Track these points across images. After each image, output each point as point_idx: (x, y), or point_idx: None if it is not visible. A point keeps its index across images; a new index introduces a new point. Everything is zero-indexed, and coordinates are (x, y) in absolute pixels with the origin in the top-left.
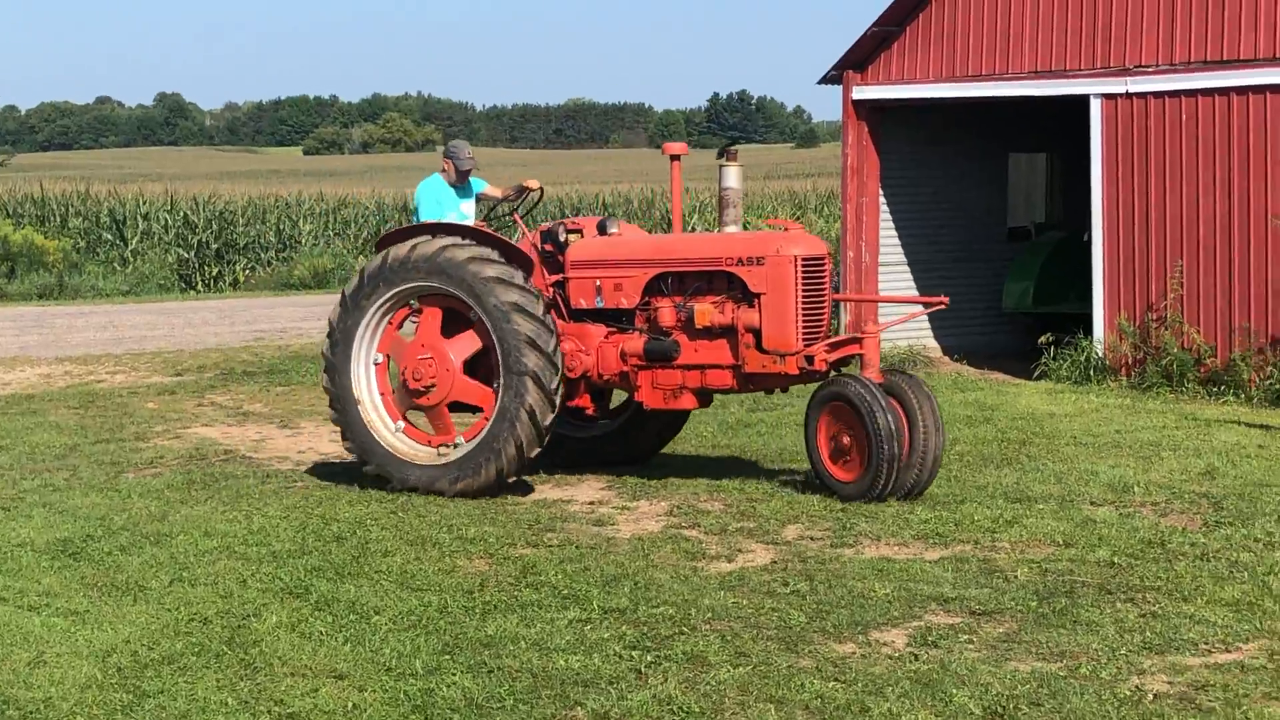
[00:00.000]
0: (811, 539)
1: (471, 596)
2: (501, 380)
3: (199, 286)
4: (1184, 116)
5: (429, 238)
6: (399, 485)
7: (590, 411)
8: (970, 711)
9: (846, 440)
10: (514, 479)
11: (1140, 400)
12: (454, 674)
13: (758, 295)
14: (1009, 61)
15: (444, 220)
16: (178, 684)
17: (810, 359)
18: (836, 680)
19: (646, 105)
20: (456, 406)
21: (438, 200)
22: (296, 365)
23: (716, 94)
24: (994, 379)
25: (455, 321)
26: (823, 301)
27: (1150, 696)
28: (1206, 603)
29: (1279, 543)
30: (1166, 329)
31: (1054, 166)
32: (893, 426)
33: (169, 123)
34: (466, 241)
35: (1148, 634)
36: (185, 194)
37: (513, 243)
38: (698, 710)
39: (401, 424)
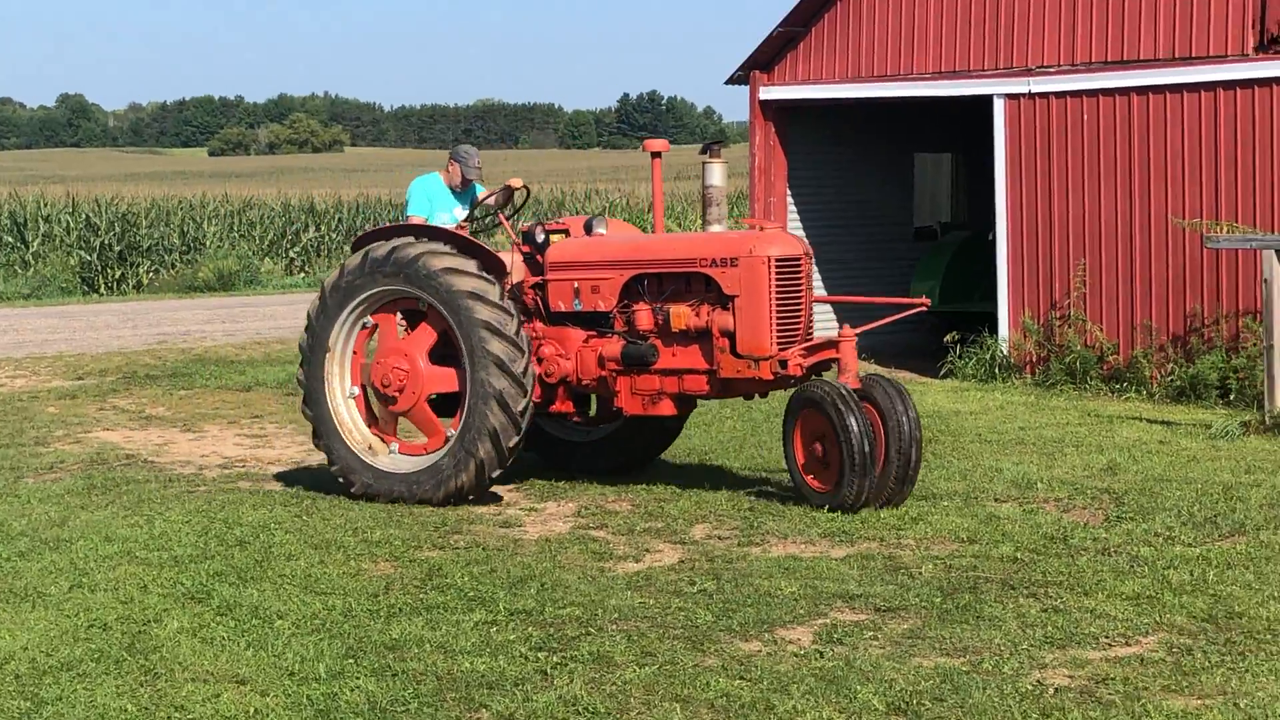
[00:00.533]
0: (719, 538)
1: (376, 600)
2: (468, 398)
3: (101, 289)
4: (1085, 116)
5: (411, 240)
6: (359, 489)
7: (574, 417)
8: (874, 707)
9: (820, 449)
10: (473, 497)
11: (1044, 397)
12: (358, 678)
13: (732, 297)
14: (913, 62)
15: (432, 222)
16: (77, 691)
17: (784, 364)
18: (742, 678)
19: (556, 106)
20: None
21: (429, 199)
22: (200, 368)
23: (626, 94)
24: (901, 377)
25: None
26: (799, 304)
27: (1051, 690)
28: (1107, 597)
29: (1179, 537)
30: (1070, 327)
31: (959, 166)
32: (864, 434)
33: (71, 124)
34: (445, 249)
35: (1049, 628)
36: (87, 196)
37: (490, 248)
38: (603, 710)
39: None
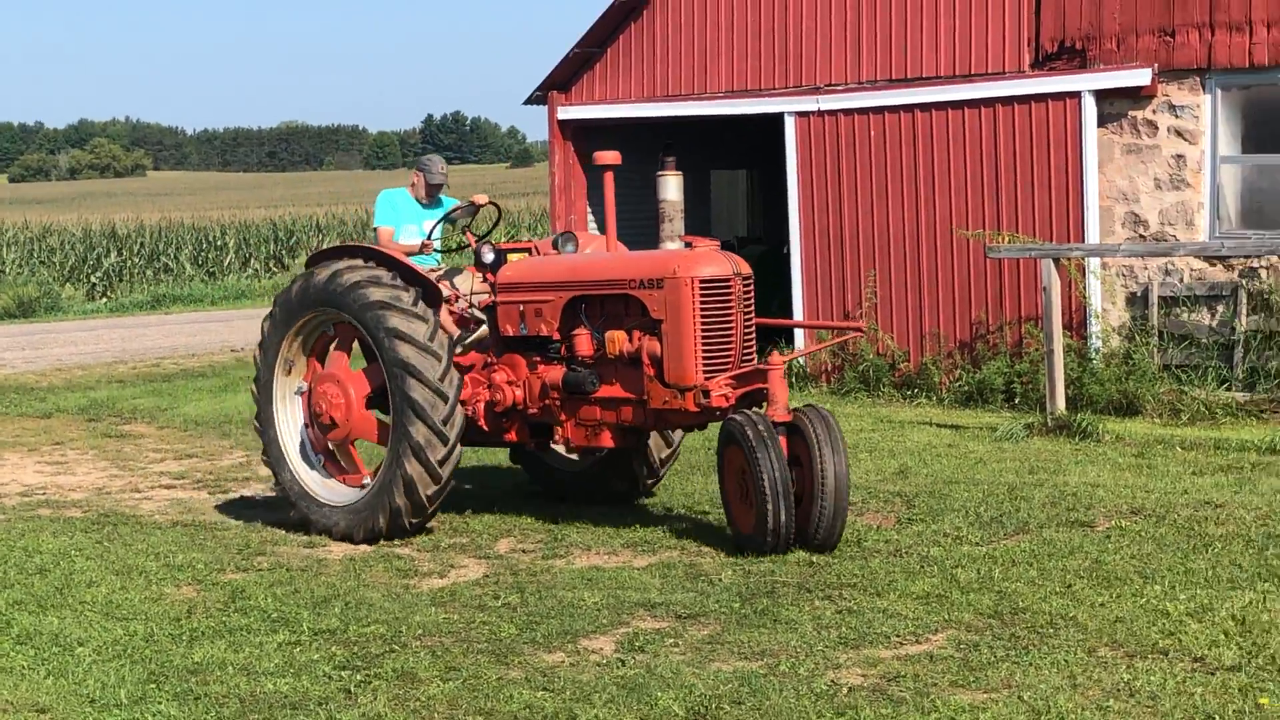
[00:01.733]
0: (524, 551)
1: (179, 624)
2: (390, 439)
3: None
4: (872, 132)
5: (350, 265)
6: (296, 515)
7: (530, 446)
8: (674, 713)
9: (745, 485)
10: (401, 536)
11: (839, 405)
12: (159, 703)
13: (658, 322)
14: (707, 82)
15: (398, 236)
16: None
17: (706, 394)
18: (545, 689)
19: (361, 127)
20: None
21: (395, 210)
22: (0, 395)
23: (431, 115)
24: None
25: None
26: (728, 329)
27: (845, 690)
28: (899, 597)
29: (966, 537)
30: (863, 336)
31: (754, 182)
32: (775, 471)
33: None
34: (383, 278)
35: (844, 629)
36: None
37: (426, 274)
38: None
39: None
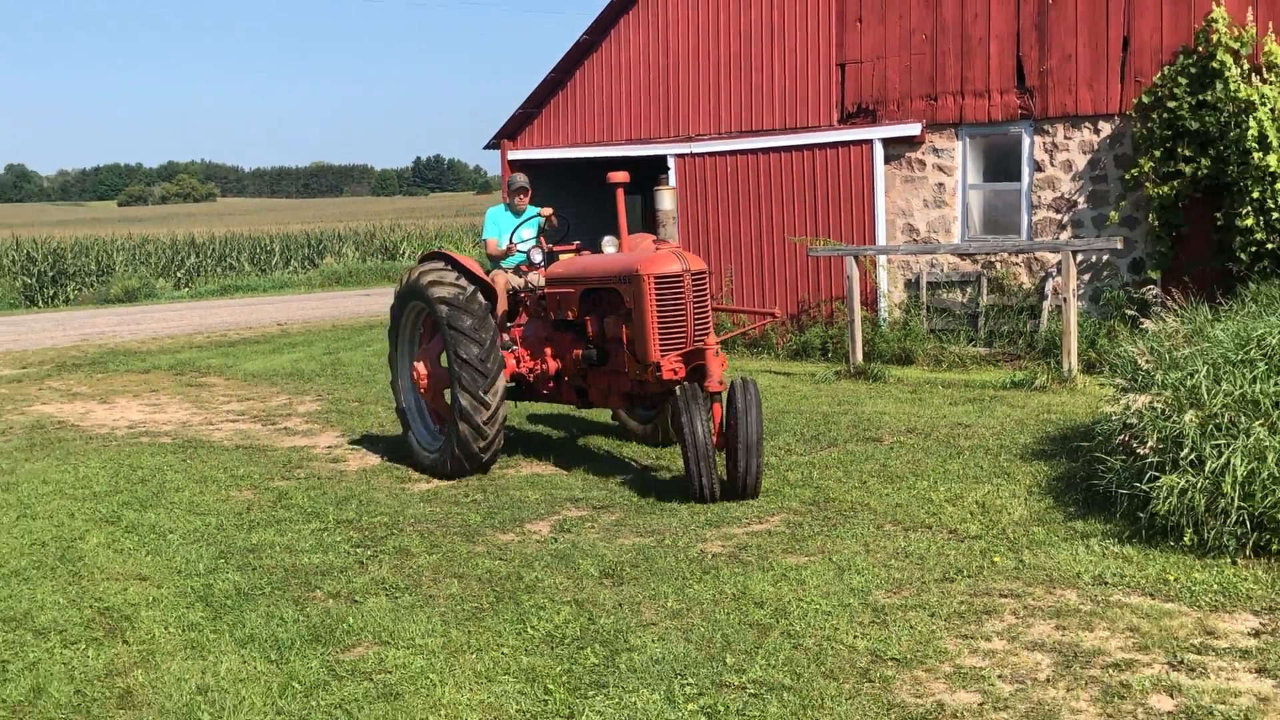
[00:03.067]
0: None
1: (240, 517)
2: (450, 404)
3: (39, 303)
4: (729, 168)
5: (428, 267)
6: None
7: (577, 406)
8: (591, 574)
9: None
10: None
11: None
12: (227, 573)
13: (630, 310)
14: (612, 133)
15: (501, 241)
16: (22, 590)
17: (659, 368)
18: (500, 559)
19: (368, 165)
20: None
21: (496, 224)
22: (112, 358)
23: (419, 156)
24: None
25: None
26: (679, 316)
27: (710, 555)
28: None
29: (794, 449)
30: (778, 321)
31: (647, 204)
32: (699, 432)
33: (16, 185)
34: (448, 277)
35: (709, 515)
36: (27, 237)
37: (487, 279)
38: (403, 586)
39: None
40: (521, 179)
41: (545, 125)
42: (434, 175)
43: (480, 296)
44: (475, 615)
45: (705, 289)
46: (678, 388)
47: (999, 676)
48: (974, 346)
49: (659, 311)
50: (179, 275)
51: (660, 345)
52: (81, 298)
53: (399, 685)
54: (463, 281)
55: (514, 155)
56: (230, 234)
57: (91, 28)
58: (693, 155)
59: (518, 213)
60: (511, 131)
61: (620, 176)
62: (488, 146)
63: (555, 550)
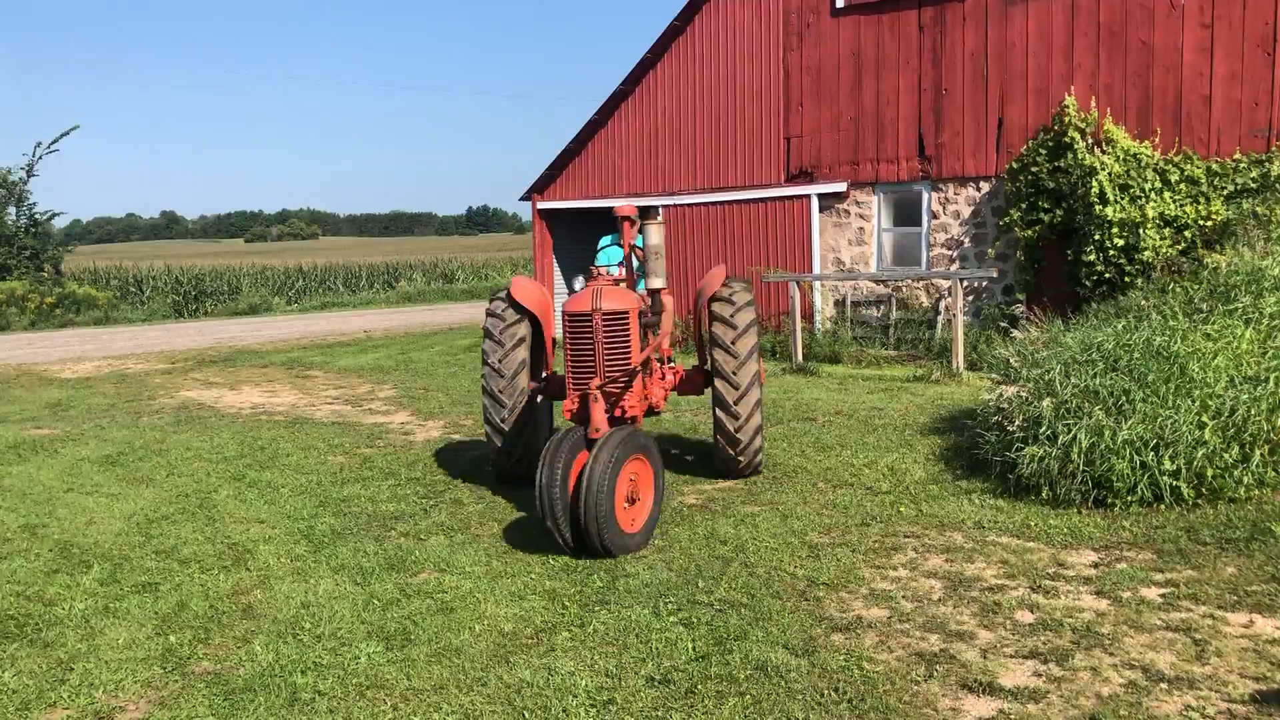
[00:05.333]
0: None
1: (335, 475)
2: None
3: (184, 315)
4: (703, 216)
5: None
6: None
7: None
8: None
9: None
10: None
11: (684, 360)
12: (324, 518)
13: None
14: (614, 187)
15: (601, 265)
16: (169, 530)
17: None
18: (529, 508)
19: (432, 212)
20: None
21: (605, 254)
22: (239, 356)
23: (471, 206)
24: None
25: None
26: (586, 354)
27: (687, 506)
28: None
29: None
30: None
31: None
32: (546, 486)
33: (168, 226)
34: (494, 309)
35: (685, 475)
36: (176, 266)
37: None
38: (457, 527)
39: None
40: (627, 210)
41: (565, 182)
42: (482, 220)
43: (520, 328)
44: (510, 550)
45: (625, 329)
46: (560, 431)
47: (903, 597)
48: (885, 350)
49: (569, 348)
50: (290, 294)
51: (572, 378)
52: (216, 311)
53: (453, 602)
54: (506, 314)
55: (542, 205)
56: (329, 264)
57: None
58: (675, 205)
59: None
60: (540, 187)
61: (627, 210)
62: (522, 198)
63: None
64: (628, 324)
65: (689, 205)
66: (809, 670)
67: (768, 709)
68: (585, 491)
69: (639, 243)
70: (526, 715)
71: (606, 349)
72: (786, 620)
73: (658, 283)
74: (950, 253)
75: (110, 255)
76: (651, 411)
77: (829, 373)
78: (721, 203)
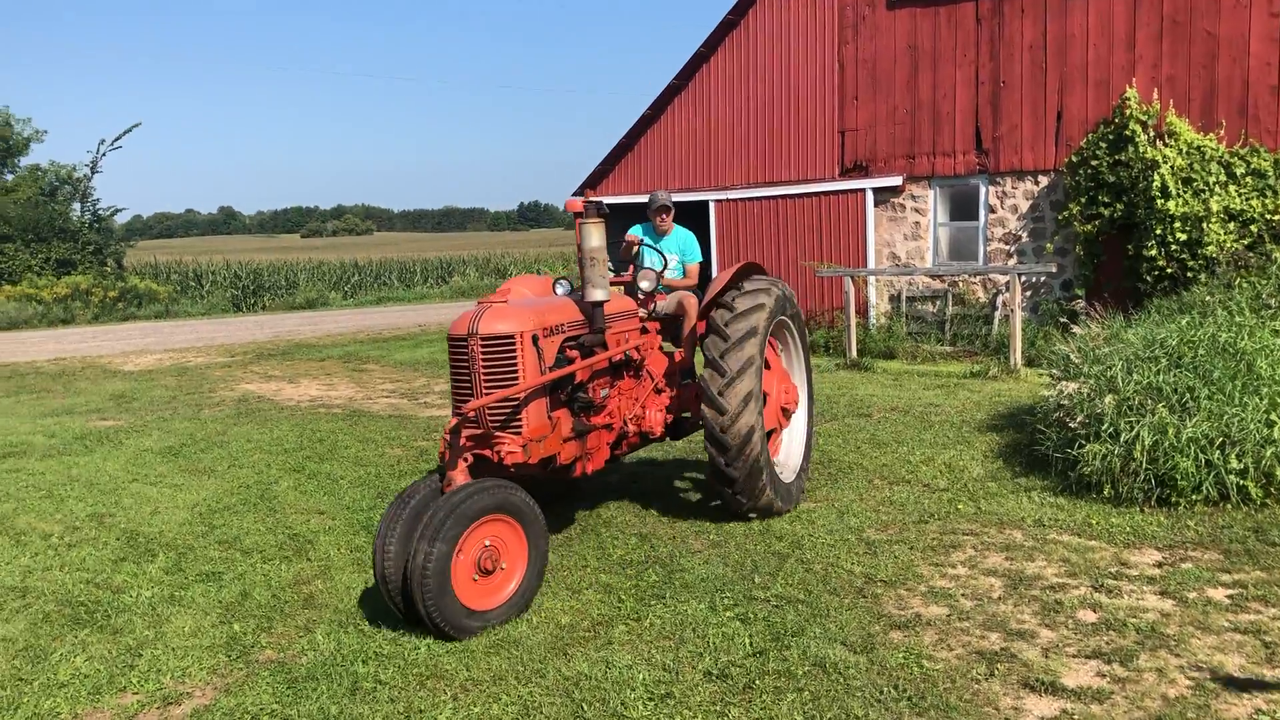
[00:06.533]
0: None
1: (392, 467)
2: None
3: (243, 309)
4: (756, 210)
5: None
6: None
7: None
8: (652, 513)
9: None
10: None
11: None
12: (381, 508)
13: None
14: (667, 182)
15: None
16: (232, 521)
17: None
18: (584, 502)
19: (484, 208)
20: None
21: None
22: (296, 350)
23: (522, 201)
24: None
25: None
26: (465, 380)
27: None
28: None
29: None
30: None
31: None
32: (378, 535)
33: (225, 222)
34: None
35: None
36: (234, 260)
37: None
38: None
39: None
40: (663, 196)
41: (618, 177)
42: (533, 215)
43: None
44: (566, 543)
45: (510, 360)
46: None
47: (962, 595)
48: (941, 345)
49: (451, 371)
50: (346, 289)
51: (454, 407)
52: (273, 305)
53: None
54: None
55: (595, 199)
56: (384, 259)
57: (281, 101)
58: (728, 200)
59: (660, 234)
60: (593, 181)
61: (575, 205)
62: (575, 193)
63: (625, 498)
64: (511, 353)
65: (742, 200)
66: (868, 667)
67: (826, 705)
68: (411, 558)
69: (641, 234)
70: (585, 707)
71: (486, 380)
72: (844, 617)
73: (598, 294)
74: (1007, 247)
75: (170, 250)
76: (645, 439)
77: (884, 368)
78: (774, 197)
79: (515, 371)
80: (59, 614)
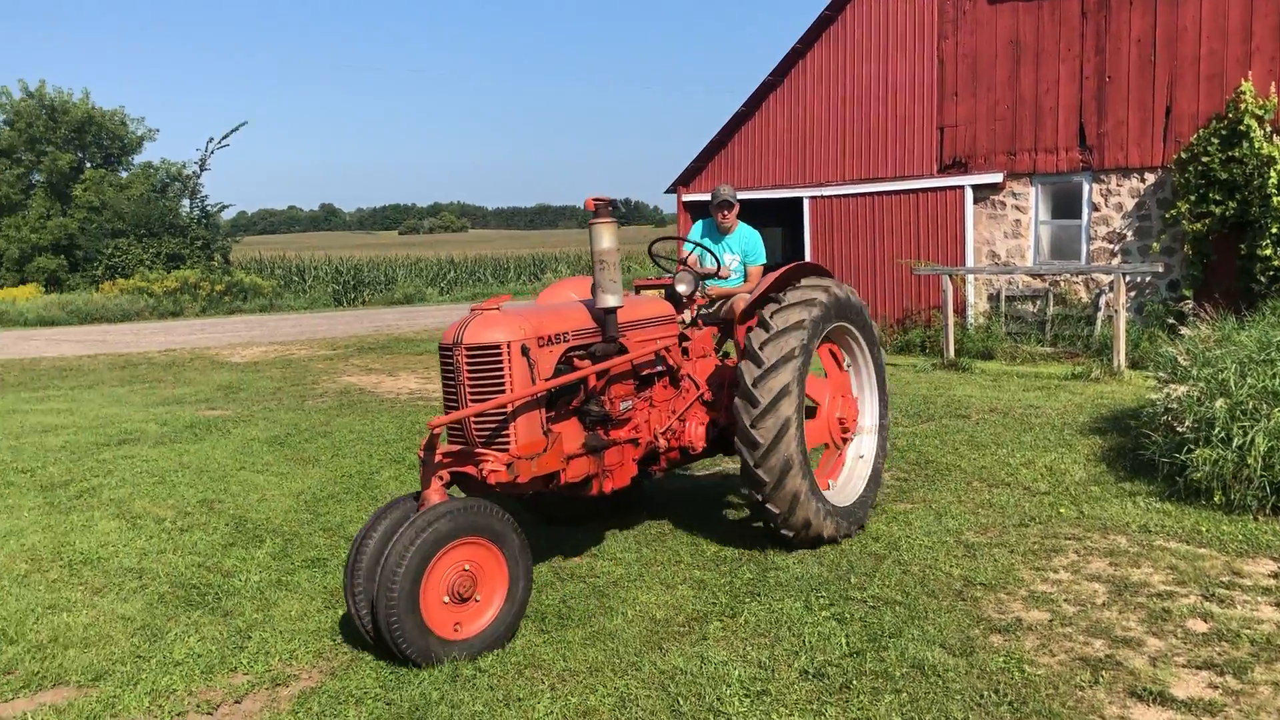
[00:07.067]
0: None
1: None
2: None
3: (344, 304)
4: (851, 207)
5: None
6: None
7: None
8: (745, 511)
9: None
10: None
11: None
12: None
13: None
14: (760, 179)
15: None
16: (335, 509)
17: None
18: (678, 498)
19: (576, 206)
20: None
21: (700, 240)
22: (395, 343)
23: (614, 199)
24: None
25: None
26: (452, 392)
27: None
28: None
29: (900, 422)
30: None
31: (786, 233)
32: (350, 552)
33: (326, 219)
34: None
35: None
36: (335, 256)
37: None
38: (606, 513)
39: None
40: (726, 190)
41: (711, 174)
42: (626, 214)
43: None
44: (660, 538)
45: (497, 372)
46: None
47: (1065, 600)
48: (1041, 346)
49: (442, 382)
50: (442, 285)
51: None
52: (373, 300)
53: (605, 587)
54: None
55: (687, 197)
56: (478, 255)
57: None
58: (823, 197)
59: (723, 232)
60: (685, 179)
61: (589, 204)
62: (668, 191)
63: (719, 493)
64: (498, 365)
65: (837, 196)
66: (967, 670)
67: (925, 708)
68: (379, 579)
69: (700, 235)
70: (681, 701)
71: (472, 392)
72: (943, 619)
73: (609, 300)
74: (1112, 246)
75: (273, 246)
76: (686, 454)
77: (981, 369)
78: (871, 194)
79: (501, 383)
80: (173, 595)
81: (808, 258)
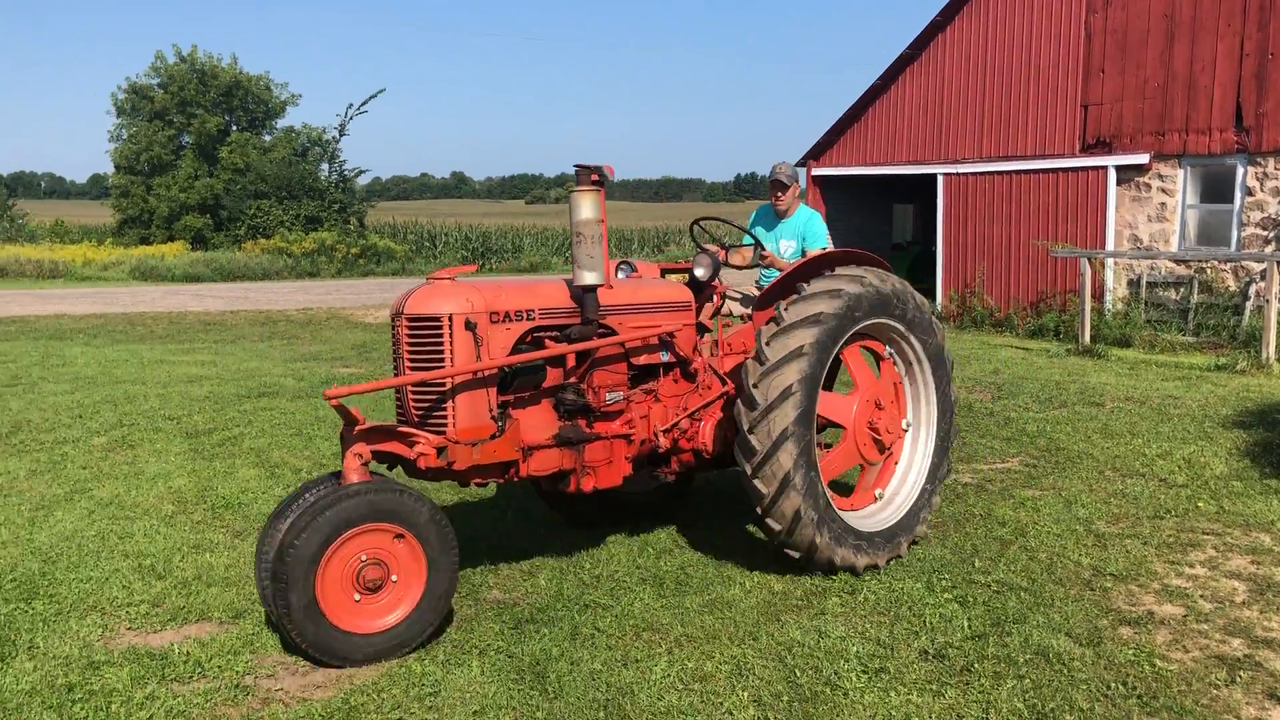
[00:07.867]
0: None
1: None
2: None
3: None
4: (987, 185)
5: None
6: None
7: None
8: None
9: None
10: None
11: (960, 335)
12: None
13: None
14: (894, 154)
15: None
16: None
17: None
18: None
19: (701, 179)
20: None
21: (753, 224)
22: None
23: (739, 173)
24: None
25: None
26: (396, 366)
27: (961, 484)
28: (993, 438)
29: (1031, 408)
30: (974, 297)
31: (917, 210)
32: (260, 539)
33: (457, 186)
34: None
35: (963, 453)
36: (466, 224)
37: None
38: (722, 483)
39: None
40: (782, 168)
41: (842, 148)
42: (749, 187)
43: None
44: None
45: (436, 346)
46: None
47: (1200, 596)
48: (1183, 335)
49: (392, 354)
50: (566, 254)
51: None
52: (500, 267)
53: (723, 557)
54: None
55: (817, 171)
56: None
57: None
58: (958, 175)
59: (780, 215)
60: (816, 153)
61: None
62: (798, 164)
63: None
64: (438, 338)
65: (973, 174)
66: (1094, 661)
67: (1049, 695)
68: (271, 564)
69: (755, 219)
70: (798, 673)
71: (411, 366)
72: (1070, 608)
73: (588, 277)
74: (1265, 233)
75: (405, 212)
76: (701, 459)
77: (1118, 356)
78: (1008, 172)
79: (441, 358)
80: None
81: (939, 236)
